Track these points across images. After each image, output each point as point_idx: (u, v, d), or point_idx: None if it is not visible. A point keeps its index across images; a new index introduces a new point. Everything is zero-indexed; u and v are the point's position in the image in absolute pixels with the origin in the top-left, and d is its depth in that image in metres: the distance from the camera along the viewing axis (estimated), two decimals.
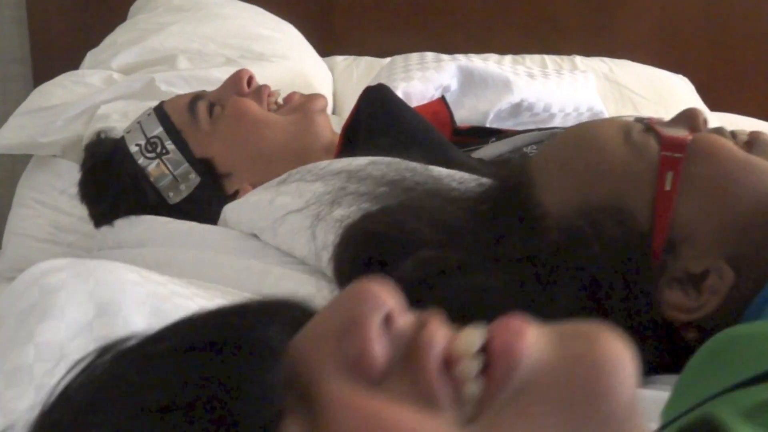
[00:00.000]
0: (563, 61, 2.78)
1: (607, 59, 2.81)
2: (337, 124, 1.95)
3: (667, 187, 0.99)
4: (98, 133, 1.79)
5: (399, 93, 2.06)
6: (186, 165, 1.72)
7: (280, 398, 0.48)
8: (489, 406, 0.49)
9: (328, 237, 1.16)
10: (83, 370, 0.53)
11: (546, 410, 0.48)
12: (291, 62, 2.48)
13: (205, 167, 1.72)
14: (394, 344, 0.50)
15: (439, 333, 0.51)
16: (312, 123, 1.78)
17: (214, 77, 2.21)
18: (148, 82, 2.21)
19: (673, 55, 3.01)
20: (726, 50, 3.13)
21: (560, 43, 2.92)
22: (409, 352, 0.50)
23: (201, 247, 1.53)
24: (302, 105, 1.80)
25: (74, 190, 1.81)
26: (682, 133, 1.04)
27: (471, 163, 1.44)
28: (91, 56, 2.52)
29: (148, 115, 1.77)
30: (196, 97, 1.77)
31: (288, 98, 1.82)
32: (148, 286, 0.88)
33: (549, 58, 2.79)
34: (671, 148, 1.02)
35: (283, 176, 1.50)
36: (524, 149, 1.64)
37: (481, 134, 1.84)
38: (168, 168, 1.71)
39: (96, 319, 0.82)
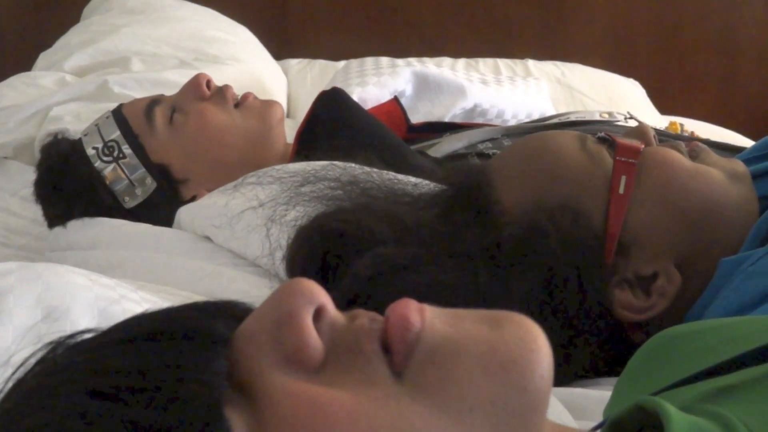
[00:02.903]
0: (516, 65, 2.80)
1: (559, 63, 2.84)
2: (291, 128, 1.95)
3: (621, 191, 1.03)
4: (55, 135, 1.78)
5: (354, 98, 2.08)
6: (142, 170, 1.71)
7: (221, 385, 0.50)
8: (408, 371, 0.51)
9: (281, 238, 1.17)
10: (35, 363, 0.55)
11: (462, 371, 0.51)
12: (245, 65, 2.47)
13: (161, 173, 1.71)
14: (327, 334, 0.53)
15: (373, 318, 0.53)
16: (270, 133, 1.78)
17: (168, 79, 2.21)
18: (102, 84, 2.20)
19: (624, 60, 3.04)
20: (676, 55, 3.17)
21: (513, 47, 2.94)
22: (343, 340, 0.53)
23: (154, 248, 1.52)
24: (260, 112, 1.79)
25: (25, 191, 1.79)
26: (636, 143, 1.08)
27: (426, 165, 1.45)
28: (43, 58, 2.51)
29: (107, 118, 1.75)
30: (153, 102, 1.76)
31: (244, 96, 1.81)
32: (97, 290, 0.88)
33: (502, 62, 2.81)
34: (626, 153, 1.06)
35: (239, 180, 1.51)
36: (479, 145, 1.65)
37: (436, 129, 1.85)
38: (124, 172, 1.71)
39: (44, 324, 0.82)
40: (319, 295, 0.53)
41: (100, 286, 0.90)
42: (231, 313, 0.55)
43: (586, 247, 1.01)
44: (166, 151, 1.71)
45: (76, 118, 2.03)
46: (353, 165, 1.25)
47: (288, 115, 2.50)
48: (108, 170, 1.70)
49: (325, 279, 1.02)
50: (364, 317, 0.54)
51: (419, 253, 1.00)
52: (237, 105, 1.78)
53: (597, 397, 0.99)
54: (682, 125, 2.01)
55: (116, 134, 1.71)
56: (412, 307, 0.53)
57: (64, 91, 2.20)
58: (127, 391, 0.49)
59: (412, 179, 1.20)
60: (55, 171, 1.71)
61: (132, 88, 2.18)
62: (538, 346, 0.52)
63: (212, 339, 0.52)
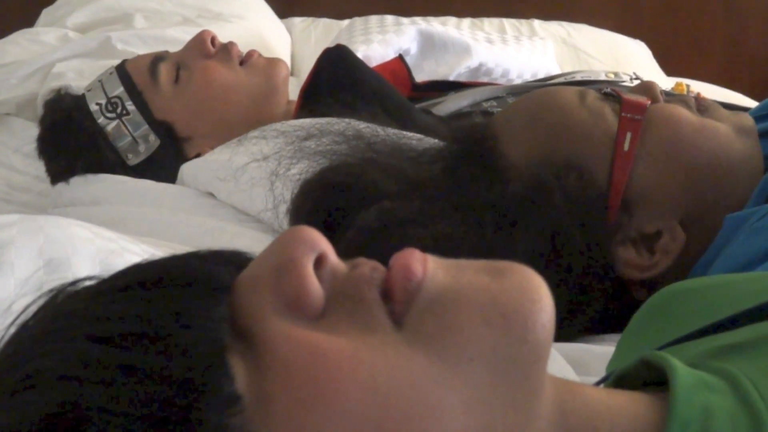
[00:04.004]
0: (522, 25, 2.79)
1: (565, 23, 2.82)
2: (295, 86, 1.94)
3: (626, 148, 1.02)
4: (59, 90, 1.77)
5: (359, 56, 2.07)
6: (146, 127, 1.70)
7: (223, 332, 0.50)
8: (408, 319, 0.51)
9: (285, 192, 1.17)
10: (37, 309, 0.55)
11: (462, 322, 0.51)
12: (249, 23, 2.46)
13: (165, 130, 1.71)
14: (328, 282, 0.53)
15: (374, 267, 0.53)
16: (274, 91, 1.77)
17: (171, 36, 2.20)
18: (104, 41, 2.19)
19: (631, 21, 3.02)
20: (683, 16, 3.15)
21: (519, 6, 2.92)
22: (344, 288, 0.52)
23: (157, 205, 1.52)
24: (265, 70, 1.78)
25: (28, 148, 1.79)
26: (642, 99, 1.07)
27: (431, 122, 1.45)
28: (46, 14, 2.50)
29: (110, 74, 1.74)
30: (157, 58, 1.75)
31: (249, 53, 1.80)
32: (99, 242, 0.88)
33: (508, 22, 2.79)
34: (632, 110, 1.04)
35: (243, 136, 1.51)
36: (484, 104, 1.65)
37: (441, 88, 1.85)
38: (128, 129, 1.70)
39: (45, 275, 0.83)
40: (321, 242, 0.53)
41: (102, 238, 0.90)
42: (234, 261, 0.55)
43: (590, 204, 1.01)
44: (170, 108, 1.71)
45: (79, 75, 2.03)
46: (356, 121, 1.24)
47: (292, 74, 2.49)
48: (111, 126, 1.70)
49: (329, 233, 1.01)
50: (366, 266, 0.54)
51: (424, 206, 1.00)
52: (242, 63, 1.77)
53: (600, 353, 0.99)
54: (688, 86, 2.00)
55: (120, 90, 1.71)
56: (415, 256, 0.53)
57: (66, 48, 2.19)
58: (129, 336, 0.49)
59: (417, 135, 1.19)
60: (59, 127, 1.71)
61: (135, 45, 2.17)
62: (540, 296, 0.52)
63: (214, 286, 0.52)
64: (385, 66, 1.96)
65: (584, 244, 1.00)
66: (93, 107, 1.71)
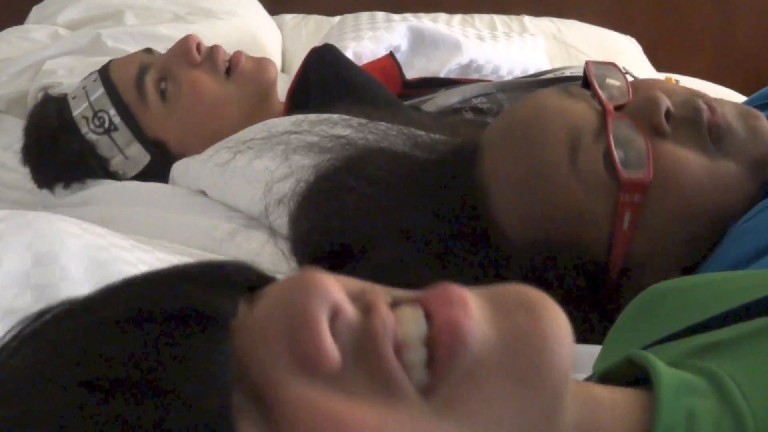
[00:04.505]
0: (512, 21, 2.79)
1: (555, 19, 2.83)
2: (286, 83, 1.94)
3: (625, 227, 0.95)
4: (42, 99, 1.74)
5: (349, 53, 2.07)
6: (137, 144, 1.67)
7: (229, 386, 0.47)
8: (442, 386, 0.49)
9: (278, 187, 1.17)
10: (23, 335, 0.52)
11: (497, 386, 0.49)
12: (239, 19, 2.46)
13: (157, 148, 1.68)
14: (344, 336, 0.50)
15: (386, 318, 0.50)
16: (266, 98, 1.74)
17: (162, 33, 2.20)
18: (95, 38, 2.19)
19: (621, 16, 3.03)
20: (673, 12, 3.16)
21: (509, 3, 2.92)
22: (360, 343, 0.50)
23: (146, 204, 1.52)
24: (253, 77, 1.75)
25: (19, 146, 1.79)
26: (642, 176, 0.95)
27: (420, 119, 1.45)
28: (36, 11, 2.50)
29: (94, 81, 1.70)
30: (142, 71, 1.69)
31: (235, 59, 1.75)
32: (87, 238, 0.88)
33: (498, 18, 2.80)
34: (631, 191, 0.94)
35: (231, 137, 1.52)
36: (473, 100, 1.65)
37: (431, 84, 1.85)
38: (117, 145, 1.67)
39: (33, 269, 0.83)
40: (334, 292, 0.50)
41: (91, 234, 0.90)
42: (236, 278, 0.53)
43: (588, 277, 0.97)
44: (162, 126, 1.67)
45: (69, 72, 2.03)
46: (347, 117, 1.24)
47: (282, 70, 2.50)
48: (100, 142, 1.67)
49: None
50: (381, 310, 0.50)
51: (420, 258, 0.98)
52: (229, 70, 1.73)
53: (587, 352, 0.99)
54: (677, 81, 2.01)
55: (106, 103, 1.67)
56: (458, 305, 0.50)
57: (57, 45, 2.19)
58: (126, 385, 0.46)
59: (405, 131, 1.18)
60: (45, 145, 1.68)
61: (126, 42, 2.17)
62: (568, 344, 0.51)
63: (216, 323, 0.49)
64: (375, 63, 1.97)
65: (584, 295, 0.97)
66: (79, 120, 1.67)
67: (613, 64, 1.04)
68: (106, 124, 1.66)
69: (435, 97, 1.70)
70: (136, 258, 0.91)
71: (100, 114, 1.66)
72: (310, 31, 2.70)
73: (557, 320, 0.51)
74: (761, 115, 1.00)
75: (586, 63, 1.03)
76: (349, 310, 0.50)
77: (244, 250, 1.30)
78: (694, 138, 0.96)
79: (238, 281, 0.53)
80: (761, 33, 3.19)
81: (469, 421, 0.49)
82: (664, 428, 0.54)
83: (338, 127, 1.19)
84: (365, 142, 1.12)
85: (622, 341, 0.75)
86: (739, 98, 2.29)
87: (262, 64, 1.77)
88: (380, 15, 2.44)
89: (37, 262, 0.83)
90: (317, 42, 2.22)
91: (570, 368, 0.51)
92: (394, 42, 2.09)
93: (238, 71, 1.72)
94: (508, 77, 2.09)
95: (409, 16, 2.50)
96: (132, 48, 2.13)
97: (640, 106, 0.97)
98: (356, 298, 0.51)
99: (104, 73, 1.70)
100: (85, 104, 1.68)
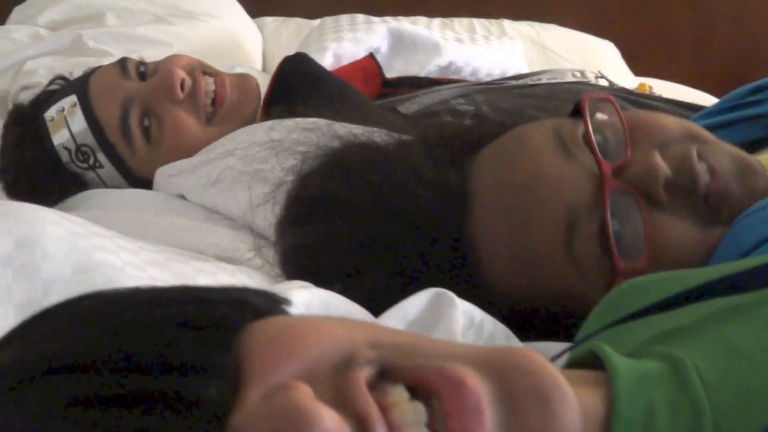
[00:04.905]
0: (491, 24, 2.81)
1: (534, 23, 2.85)
2: (266, 80, 1.94)
3: None
4: (13, 121, 1.68)
5: (329, 54, 2.08)
6: (123, 182, 1.65)
7: None
8: None
9: (257, 187, 1.17)
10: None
11: None
12: (220, 22, 2.47)
13: (143, 185, 1.63)
14: None
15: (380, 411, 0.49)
16: (251, 122, 1.69)
17: (143, 35, 2.21)
18: (76, 39, 2.19)
19: (600, 21, 3.05)
20: (651, 16, 3.19)
21: (488, 6, 2.94)
22: None
23: (127, 209, 1.53)
24: (238, 108, 1.68)
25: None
26: (638, 235, 0.91)
27: (394, 122, 1.46)
28: (17, 12, 2.50)
29: (73, 106, 1.64)
30: (125, 110, 1.62)
31: (219, 96, 1.67)
32: (67, 225, 0.89)
33: (477, 22, 2.81)
34: (626, 275, 0.88)
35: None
36: (452, 101, 1.66)
37: (412, 84, 1.86)
38: (103, 181, 1.65)
39: (15, 251, 0.83)
40: (327, 424, 0.47)
41: (70, 222, 0.91)
42: (236, 315, 0.52)
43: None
44: (147, 166, 1.63)
45: (51, 72, 2.02)
46: (324, 120, 1.25)
47: (264, 70, 2.51)
48: (86, 175, 1.65)
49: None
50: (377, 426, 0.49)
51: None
52: (214, 102, 1.67)
53: (559, 349, 1.00)
54: (650, 87, 2.03)
55: (90, 140, 1.63)
56: (473, 419, 0.49)
57: (38, 45, 2.20)
58: None
59: (376, 134, 1.18)
60: (25, 182, 1.64)
61: (107, 43, 2.18)
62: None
63: (206, 415, 0.47)
64: (356, 64, 1.98)
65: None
66: (60, 150, 1.64)
67: (609, 99, 0.98)
68: (91, 161, 1.64)
69: (413, 98, 1.71)
70: (117, 246, 0.92)
71: (83, 149, 1.63)
72: (291, 33, 2.71)
73: (571, 415, 0.51)
74: (760, 170, 0.97)
75: (583, 99, 0.96)
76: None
77: (225, 250, 1.31)
78: (690, 207, 0.93)
79: (233, 321, 0.51)
80: (738, 38, 3.22)
81: None
82: (623, 423, 0.55)
83: (315, 132, 1.18)
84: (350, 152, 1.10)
85: (591, 326, 0.76)
86: (715, 102, 2.31)
87: (245, 94, 1.71)
88: (360, 17, 2.45)
89: (18, 245, 0.83)
90: (298, 44, 2.23)
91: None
92: (374, 43, 2.10)
93: (221, 113, 1.67)
94: (487, 79, 2.11)
95: (389, 19, 2.51)
96: (113, 49, 2.14)
97: (638, 176, 0.92)
98: (343, 398, 0.49)
99: (86, 105, 1.64)
100: (67, 135, 1.64)
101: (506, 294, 0.94)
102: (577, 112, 0.99)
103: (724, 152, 0.96)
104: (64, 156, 1.64)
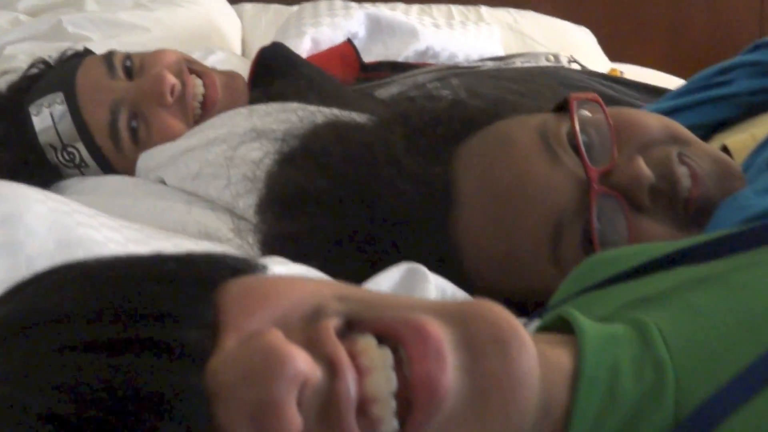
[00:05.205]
0: (469, 11, 2.82)
1: (512, 10, 2.86)
2: (246, 65, 1.96)
3: None
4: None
5: (308, 38, 2.10)
6: None
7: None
8: None
9: (234, 172, 1.19)
10: None
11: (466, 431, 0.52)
12: (200, 7, 2.48)
13: None
14: (309, 402, 0.50)
15: (351, 383, 0.51)
16: None
17: (123, 20, 2.22)
18: (56, 24, 2.20)
19: (576, 7, 3.07)
20: (627, 3, 3.22)
21: None
22: (325, 406, 0.51)
23: (106, 195, 1.54)
24: (225, 109, 1.63)
25: None
26: (622, 240, 0.92)
27: (369, 107, 1.48)
28: None
29: (59, 103, 1.63)
30: (114, 114, 1.61)
31: (209, 99, 1.66)
32: (51, 204, 0.90)
33: (455, 8, 2.83)
34: None
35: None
36: (428, 85, 1.68)
37: (390, 68, 1.88)
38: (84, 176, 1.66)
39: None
40: (302, 368, 0.50)
41: (54, 201, 0.93)
42: (214, 271, 0.55)
43: None
44: (132, 167, 1.62)
45: (30, 57, 2.02)
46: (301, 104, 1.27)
47: (243, 55, 2.52)
48: (68, 171, 1.65)
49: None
50: (345, 367, 0.51)
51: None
52: (203, 105, 1.66)
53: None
54: (621, 72, 2.05)
55: (76, 140, 1.63)
56: (433, 356, 0.52)
57: (17, 30, 2.20)
58: (94, 424, 0.47)
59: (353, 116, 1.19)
60: (13, 167, 1.59)
61: (86, 28, 2.18)
62: (535, 383, 0.54)
63: (191, 360, 0.50)
64: (334, 49, 2.00)
65: None
66: (45, 146, 1.63)
67: (597, 99, 0.99)
68: (77, 161, 1.64)
69: (390, 83, 1.73)
70: (99, 224, 0.93)
71: (69, 149, 1.63)
72: (270, 19, 2.72)
73: (528, 361, 0.54)
74: (738, 173, 0.99)
75: (571, 98, 0.97)
76: (315, 378, 0.51)
77: (209, 230, 1.32)
78: (670, 211, 0.95)
79: (211, 278, 0.54)
80: (712, 25, 3.25)
81: None
82: (587, 381, 0.58)
83: (295, 116, 1.19)
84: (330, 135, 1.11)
85: (562, 294, 0.79)
86: None
87: (235, 95, 1.69)
88: (338, 3, 2.47)
89: (2, 223, 0.85)
90: (276, 30, 2.25)
91: (536, 405, 0.54)
92: (352, 29, 2.12)
93: (210, 116, 1.64)
94: (465, 64, 2.13)
95: (367, 5, 2.53)
96: (93, 34, 2.15)
97: (624, 182, 0.93)
98: (314, 343, 0.52)
99: (73, 107, 1.63)
100: (52, 131, 1.63)
101: (485, 287, 0.95)
102: (561, 109, 1.00)
103: (705, 154, 0.98)
104: (49, 152, 1.64)
